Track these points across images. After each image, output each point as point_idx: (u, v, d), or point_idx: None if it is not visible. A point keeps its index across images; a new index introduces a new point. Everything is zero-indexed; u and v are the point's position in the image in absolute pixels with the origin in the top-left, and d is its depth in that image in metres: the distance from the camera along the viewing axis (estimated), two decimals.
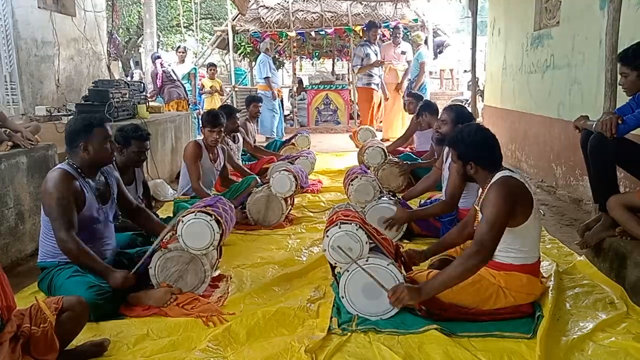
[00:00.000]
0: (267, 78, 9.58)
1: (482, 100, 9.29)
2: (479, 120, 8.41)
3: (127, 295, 2.83)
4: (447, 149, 4.03)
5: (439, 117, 4.13)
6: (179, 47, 10.92)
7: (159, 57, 10.11)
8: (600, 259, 3.20)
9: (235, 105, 10.60)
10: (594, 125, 3.12)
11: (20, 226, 3.65)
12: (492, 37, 8.15)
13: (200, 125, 4.69)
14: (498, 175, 2.57)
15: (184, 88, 9.98)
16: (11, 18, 5.65)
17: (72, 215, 2.77)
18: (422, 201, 4.49)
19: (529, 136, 6.36)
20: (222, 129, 4.63)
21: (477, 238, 2.45)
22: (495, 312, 2.55)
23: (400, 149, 6.81)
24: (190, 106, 9.95)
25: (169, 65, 9.99)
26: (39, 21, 6.12)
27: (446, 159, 3.96)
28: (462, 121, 3.89)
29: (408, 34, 11.67)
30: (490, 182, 2.56)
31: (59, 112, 5.74)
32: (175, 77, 9.81)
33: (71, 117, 5.38)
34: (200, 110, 10.43)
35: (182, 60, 10.46)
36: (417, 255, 3.01)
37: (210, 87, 10.65)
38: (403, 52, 9.79)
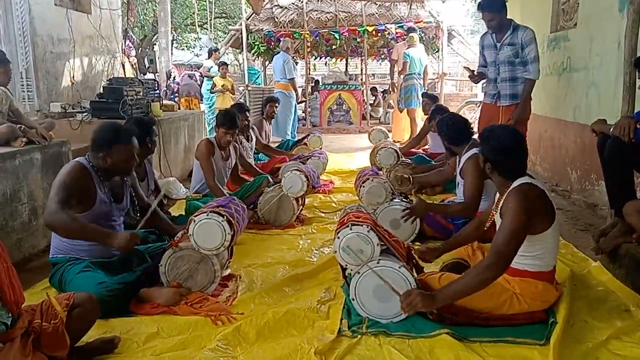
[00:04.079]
0: (292, 79, 9.49)
1: None
2: None
3: (136, 292, 2.83)
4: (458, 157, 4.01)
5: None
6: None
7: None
8: (616, 266, 3.14)
9: (248, 104, 10.65)
10: (611, 129, 3.07)
11: (33, 222, 3.67)
12: None
13: (215, 125, 4.69)
14: (517, 182, 2.51)
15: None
16: (28, 15, 5.70)
17: (71, 198, 2.74)
18: (437, 202, 4.46)
19: (543, 139, 6.29)
20: (237, 131, 4.64)
21: (495, 249, 2.40)
22: (508, 317, 2.51)
23: (414, 150, 6.78)
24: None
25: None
26: (55, 18, 6.18)
27: (459, 163, 3.92)
28: (444, 133, 3.94)
29: (422, 34, 11.62)
30: (510, 189, 2.52)
31: (73, 109, 5.79)
32: (195, 78, 10.04)
33: (85, 113, 5.43)
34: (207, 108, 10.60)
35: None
36: (430, 252, 3.00)
37: (222, 85, 10.69)
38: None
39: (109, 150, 2.90)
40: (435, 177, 4.49)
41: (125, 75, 8.61)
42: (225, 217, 2.93)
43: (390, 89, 10.90)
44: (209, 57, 11.39)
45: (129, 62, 9.09)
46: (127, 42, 9.60)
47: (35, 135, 3.78)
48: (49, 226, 2.72)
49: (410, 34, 9.85)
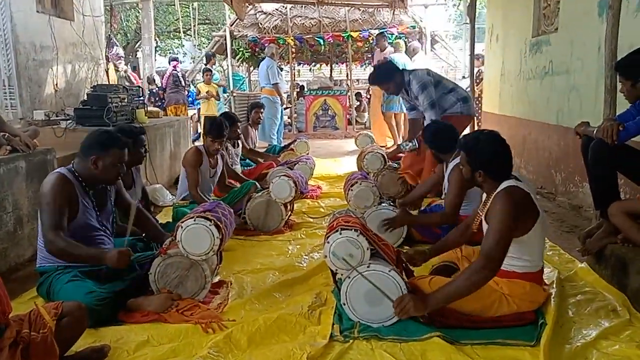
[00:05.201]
0: (276, 84, 9.49)
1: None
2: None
3: (126, 301, 2.80)
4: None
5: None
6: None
7: (175, 60, 10.36)
8: (602, 266, 3.19)
9: (233, 110, 10.65)
10: (594, 132, 3.12)
11: (19, 231, 3.62)
12: (490, 43, 8.18)
13: (202, 133, 4.67)
14: (504, 184, 2.54)
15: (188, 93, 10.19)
16: (10, 22, 5.64)
17: (62, 218, 2.76)
18: (423, 208, 4.48)
19: (527, 142, 6.37)
20: (225, 140, 4.63)
21: (484, 252, 2.42)
22: (498, 319, 2.53)
23: (400, 155, 6.80)
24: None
25: (180, 71, 10.21)
26: (37, 25, 6.11)
27: (446, 169, 3.94)
28: (428, 142, 3.93)
29: (405, 39, 11.71)
30: (496, 192, 2.54)
31: (57, 116, 5.73)
32: (180, 83, 9.96)
33: (69, 121, 5.37)
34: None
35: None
36: (417, 256, 3.02)
37: (207, 92, 10.68)
38: (385, 59, 9.76)
39: (103, 153, 2.89)
40: (420, 191, 4.47)
41: (118, 82, 8.57)
42: (212, 221, 2.92)
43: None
44: (207, 62, 11.40)
45: (118, 68, 8.96)
46: (117, 48, 9.51)
47: (19, 144, 3.73)
48: (49, 252, 2.76)
49: (397, 41, 9.93)
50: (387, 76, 5.11)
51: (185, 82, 10.32)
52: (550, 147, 5.68)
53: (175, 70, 10.22)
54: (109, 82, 8.39)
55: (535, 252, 2.59)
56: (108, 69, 8.79)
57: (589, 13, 4.78)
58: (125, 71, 9.14)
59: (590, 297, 2.92)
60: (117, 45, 9.59)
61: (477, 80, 10.53)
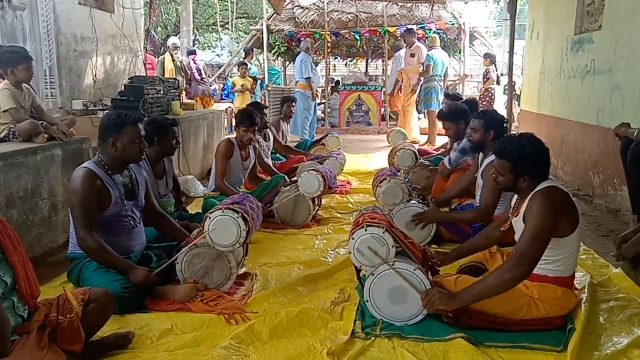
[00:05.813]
0: (308, 78, 9.53)
1: (518, 105, 9.11)
2: (514, 124, 8.27)
3: (153, 288, 2.85)
4: (481, 155, 3.92)
5: (469, 125, 3.97)
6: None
7: (193, 53, 10.48)
8: (638, 272, 3.07)
9: (267, 104, 10.72)
10: (635, 133, 3.01)
11: (53, 217, 3.72)
12: (530, 40, 7.97)
13: (234, 125, 4.72)
14: (542, 185, 2.46)
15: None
16: (52, 13, 5.81)
17: (93, 214, 2.81)
18: (453, 206, 4.41)
19: (566, 143, 6.19)
20: (256, 129, 4.66)
21: (519, 251, 2.35)
22: (524, 322, 2.47)
23: (432, 151, 6.73)
24: None
25: (200, 61, 10.32)
26: (78, 17, 6.27)
27: (480, 165, 3.86)
28: (493, 127, 3.78)
29: (444, 36, 11.53)
30: (534, 192, 2.46)
31: (95, 106, 5.88)
32: (202, 75, 10.09)
33: (107, 111, 5.50)
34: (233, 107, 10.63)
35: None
36: (440, 257, 2.94)
37: (242, 85, 10.76)
38: (412, 55, 9.63)
39: (118, 133, 2.92)
40: (455, 191, 4.36)
41: (175, 72, 8.70)
42: (240, 213, 2.94)
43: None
44: (245, 57, 11.53)
45: (174, 59, 9.04)
46: (174, 38, 9.65)
47: (56, 132, 3.83)
48: (80, 249, 2.82)
49: (432, 36, 9.78)
50: (456, 117, 4.90)
51: (205, 74, 10.45)
52: (590, 148, 5.50)
53: (195, 62, 10.35)
54: (161, 72, 8.53)
55: (570, 256, 2.51)
56: (164, 59, 8.95)
57: (636, 10, 4.60)
58: (182, 62, 9.27)
59: (623, 303, 2.82)
60: (156, 36, 9.75)
61: (484, 80, 10.34)
